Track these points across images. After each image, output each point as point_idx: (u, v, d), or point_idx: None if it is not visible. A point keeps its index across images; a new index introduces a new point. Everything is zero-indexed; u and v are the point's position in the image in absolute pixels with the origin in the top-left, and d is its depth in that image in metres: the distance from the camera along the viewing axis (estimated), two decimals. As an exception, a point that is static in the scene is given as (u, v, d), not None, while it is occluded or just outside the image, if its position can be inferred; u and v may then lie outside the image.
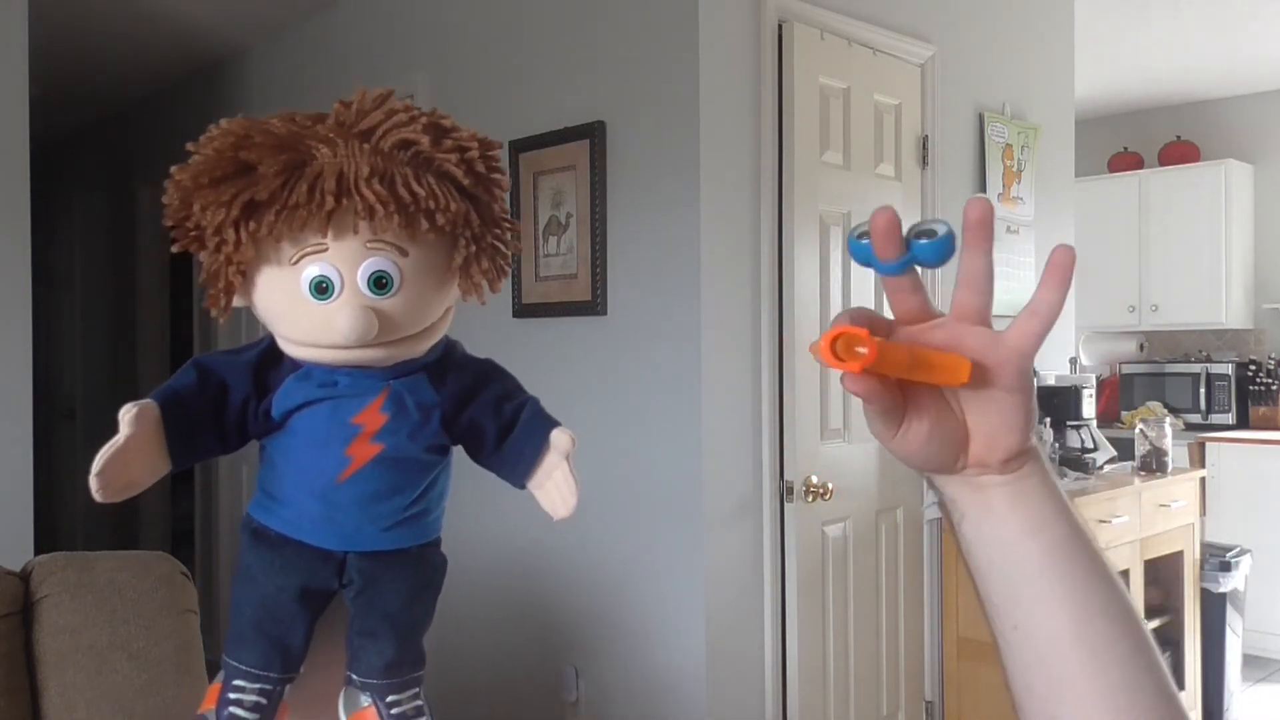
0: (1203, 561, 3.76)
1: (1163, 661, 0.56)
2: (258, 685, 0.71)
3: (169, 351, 5.32)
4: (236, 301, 0.66)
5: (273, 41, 4.25)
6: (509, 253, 0.69)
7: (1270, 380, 5.20)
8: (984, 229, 0.54)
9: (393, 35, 3.62)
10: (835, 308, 2.92)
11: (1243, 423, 5.22)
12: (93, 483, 0.65)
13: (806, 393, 2.82)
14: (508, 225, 0.69)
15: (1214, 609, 3.77)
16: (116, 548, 2.06)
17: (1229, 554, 3.89)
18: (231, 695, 0.70)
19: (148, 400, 0.66)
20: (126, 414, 0.65)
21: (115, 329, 5.54)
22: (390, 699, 0.72)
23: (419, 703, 0.73)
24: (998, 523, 0.57)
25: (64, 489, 5.94)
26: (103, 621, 1.67)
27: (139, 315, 5.33)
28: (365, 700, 0.72)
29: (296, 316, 0.64)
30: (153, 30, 4.18)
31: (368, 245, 0.63)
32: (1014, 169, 3.57)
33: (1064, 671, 0.55)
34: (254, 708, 0.70)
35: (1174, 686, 0.56)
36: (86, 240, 5.77)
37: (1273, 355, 5.28)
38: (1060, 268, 0.54)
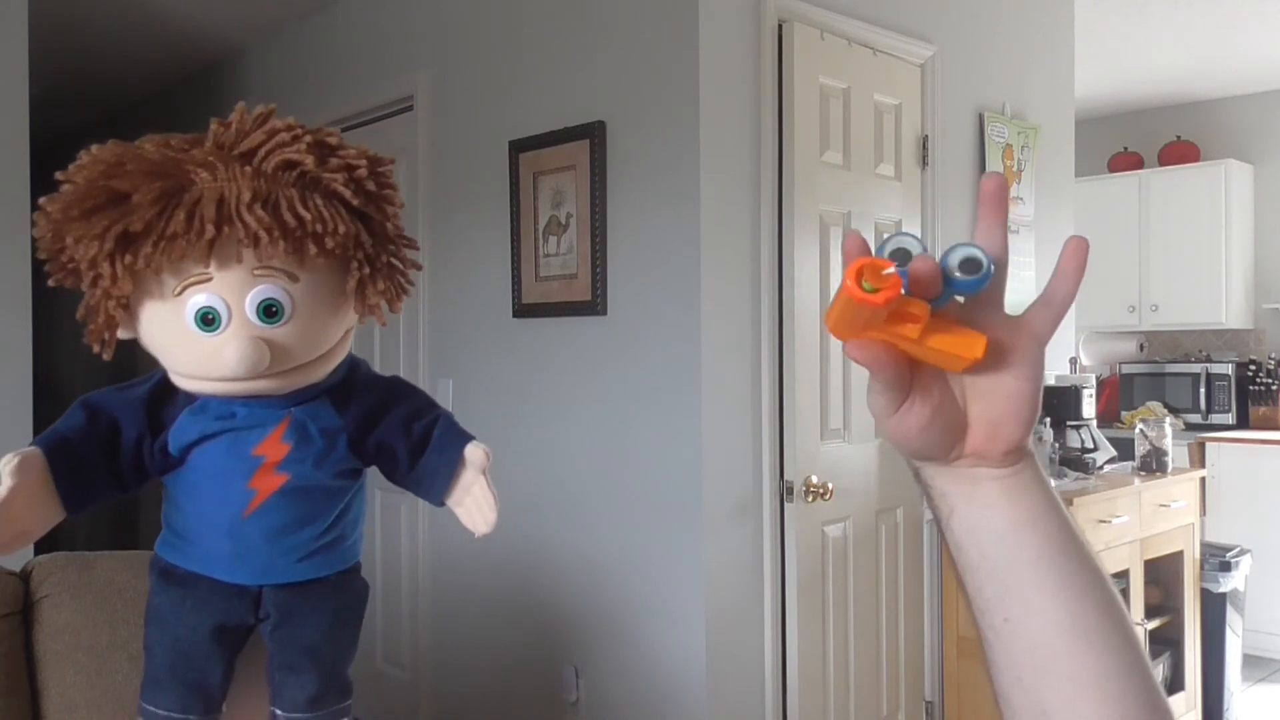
0: (1203, 561, 3.76)
1: (1149, 660, 0.57)
2: None
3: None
4: (122, 334, 0.63)
5: (272, 41, 4.25)
6: (407, 270, 0.66)
7: (1270, 380, 5.20)
8: (998, 202, 0.53)
9: (393, 35, 3.62)
10: (835, 308, 2.92)
11: (1243, 423, 5.22)
12: None
13: (806, 393, 2.82)
14: (404, 242, 0.66)
15: (1214, 609, 3.77)
16: (116, 548, 2.05)
17: (1229, 554, 3.89)
18: None
19: (31, 449, 0.63)
20: (7, 465, 0.61)
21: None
22: None
23: None
24: (991, 516, 0.57)
25: (64, 489, 5.95)
26: (103, 621, 1.67)
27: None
28: None
29: (183, 350, 0.61)
30: (152, 30, 4.18)
31: (255, 273, 0.60)
32: (1014, 169, 3.57)
33: (1057, 661, 0.55)
34: None
35: (1159, 684, 0.56)
36: (86, 240, 5.76)
37: (1273, 355, 5.28)
38: (1074, 257, 0.53)
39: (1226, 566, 3.85)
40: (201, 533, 0.67)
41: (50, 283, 0.62)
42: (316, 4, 3.88)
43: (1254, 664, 4.50)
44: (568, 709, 2.96)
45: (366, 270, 0.62)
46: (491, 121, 3.20)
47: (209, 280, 0.59)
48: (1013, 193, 3.59)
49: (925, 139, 3.22)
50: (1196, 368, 5.34)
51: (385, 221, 0.64)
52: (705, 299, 2.65)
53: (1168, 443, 3.64)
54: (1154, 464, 3.60)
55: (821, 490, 2.83)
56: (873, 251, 0.51)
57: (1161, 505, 3.52)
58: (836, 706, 2.94)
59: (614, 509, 2.82)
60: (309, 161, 0.60)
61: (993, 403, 0.55)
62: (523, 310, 3.07)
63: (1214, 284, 5.29)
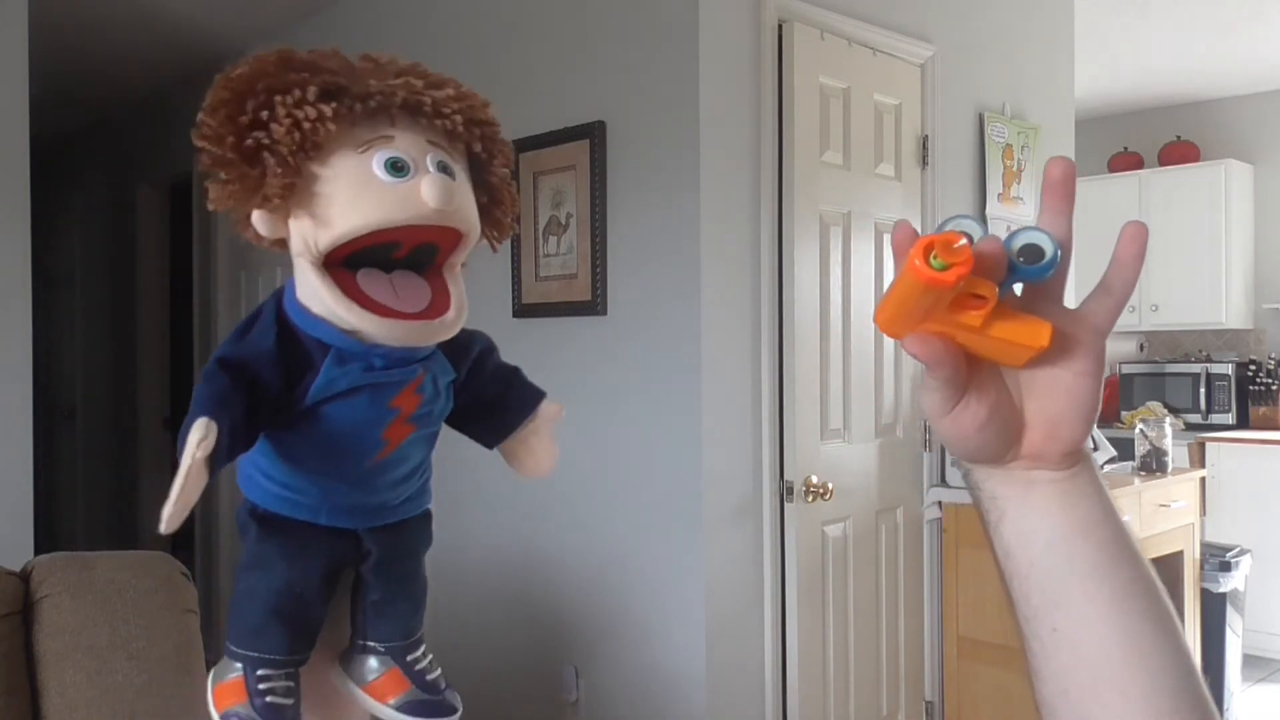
0: (1203, 561, 3.76)
1: (1199, 669, 0.54)
2: (285, 670, 0.70)
3: (169, 351, 5.32)
4: (261, 226, 0.63)
5: (272, 41, 4.22)
6: (511, 209, 0.72)
7: (1270, 380, 5.20)
8: (1066, 190, 0.51)
9: (393, 35, 3.62)
10: (835, 307, 2.92)
11: (1243, 423, 5.22)
12: (167, 514, 0.61)
13: (806, 393, 2.82)
14: (510, 183, 0.72)
15: (1214, 609, 3.77)
16: (116, 548, 2.06)
17: (1229, 554, 3.89)
18: (261, 686, 0.69)
19: (208, 421, 0.61)
20: (195, 443, 0.60)
21: (115, 329, 5.54)
22: (409, 658, 0.73)
23: (430, 655, 0.75)
24: (1044, 521, 0.54)
25: (64, 489, 5.95)
26: (103, 621, 1.67)
27: (139, 315, 5.32)
28: (375, 664, 0.72)
29: (372, 195, 0.62)
30: (153, 30, 4.18)
31: (429, 141, 0.64)
32: (1014, 169, 3.57)
33: (1108, 674, 0.52)
34: (287, 693, 0.70)
35: (1209, 695, 0.54)
36: (86, 240, 5.77)
37: (1273, 355, 5.28)
38: (1133, 243, 0.51)
39: (1226, 566, 3.85)
40: (316, 483, 0.69)
41: (209, 181, 0.64)
42: (316, 4, 3.88)
43: (1254, 664, 4.50)
44: (568, 709, 2.96)
45: (484, 183, 0.69)
46: (491, 121, 3.20)
47: (392, 140, 0.63)
48: (1013, 193, 3.59)
49: (925, 139, 3.22)
50: (1196, 368, 5.34)
51: (494, 158, 0.69)
52: (705, 299, 2.65)
53: (1168, 443, 3.64)
54: (1154, 464, 3.60)
55: (821, 490, 2.83)
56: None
57: (1161, 505, 3.52)
58: (836, 707, 2.94)
59: (614, 509, 2.82)
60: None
61: (1051, 400, 0.53)
62: (523, 310, 3.08)
63: (1214, 284, 5.29)
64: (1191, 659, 0.54)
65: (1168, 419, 4.09)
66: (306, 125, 0.61)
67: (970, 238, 0.46)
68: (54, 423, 5.81)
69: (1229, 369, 5.26)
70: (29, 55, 3.02)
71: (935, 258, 0.45)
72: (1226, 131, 5.58)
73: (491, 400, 0.74)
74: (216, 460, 0.62)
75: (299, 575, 0.69)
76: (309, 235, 0.62)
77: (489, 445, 0.74)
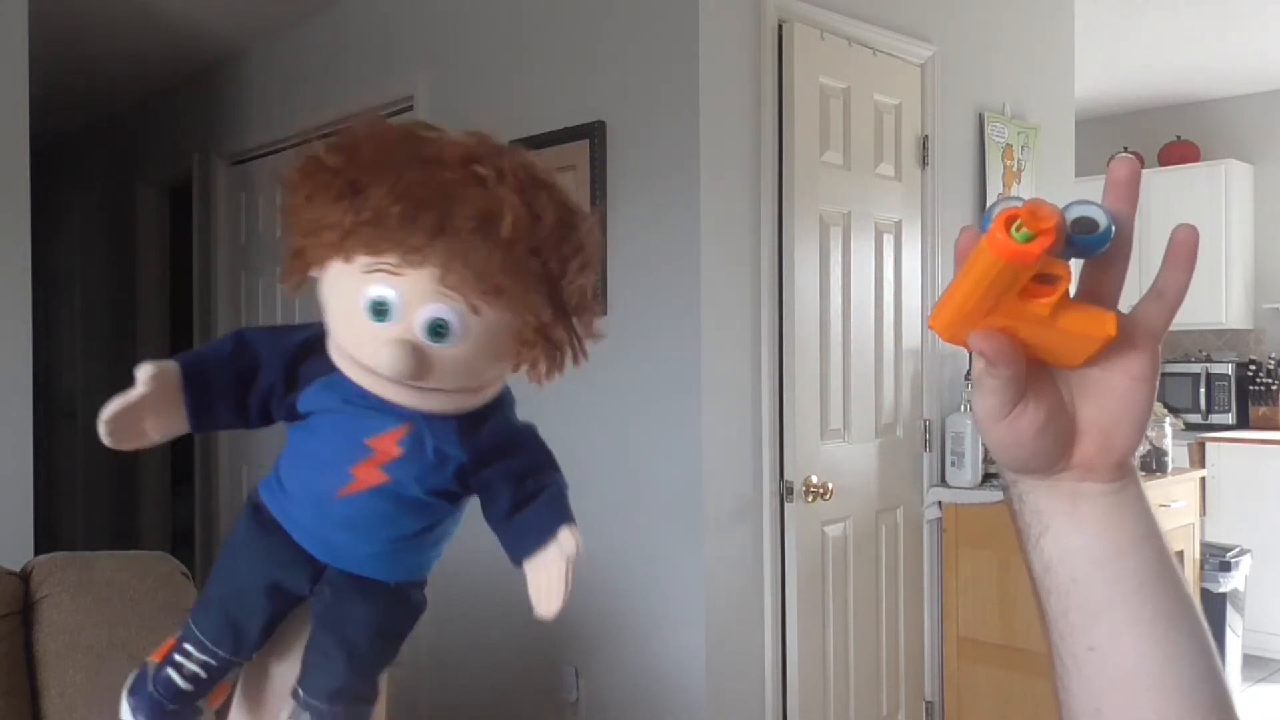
0: (1203, 561, 3.76)
1: (1230, 686, 0.54)
2: (203, 658, 0.69)
3: (169, 351, 5.29)
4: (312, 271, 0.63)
5: (272, 41, 4.25)
6: (580, 348, 0.64)
7: (1270, 380, 5.20)
8: (1131, 190, 0.49)
9: (393, 35, 3.62)
10: (835, 307, 2.92)
11: (1243, 423, 5.22)
12: (100, 428, 0.63)
13: (806, 393, 2.82)
14: (586, 316, 0.64)
15: (1214, 609, 3.77)
16: (116, 548, 2.06)
17: (1229, 554, 3.90)
18: (176, 657, 0.69)
19: (169, 361, 0.64)
20: (144, 371, 0.63)
21: (115, 329, 5.54)
22: None
23: None
24: (1089, 538, 0.52)
25: (64, 489, 5.95)
26: (103, 621, 1.67)
27: (139, 315, 5.33)
28: (286, 716, 0.69)
29: (345, 324, 0.61)
30: (152, 30, 4.18)
31: (440, 289, 0.58)
32: (1014, 169, 3.57)
33: (1146, 694, 0.51)
34: (191, 678, 0.69)
35: (1239, 712, 0.53)
36: (86, 240, 5.77)
37: (1273, 355, 5.28)
38: (1185, 246, 0.49)
39: (1226, 566, 3.85)
40: (296, 493, 0.68)
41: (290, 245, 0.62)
42: (316, 4, 3.88)
43: (1254, 664, 4.50)
44: (568, 709, 2.96)
45: (537, 341, 0.61)
46: (491, 121, 3.17)
47: (397, 275, 0.58)
48: (1013, 192, 3.59)
49: (925, 139, 3.22)
50: (1196, 368, 5.34)
51: (572, 287, 0.61)
52: (705, 299, 2.65)
53: (1168, 443, 3.64)
54: (1154, 464, 3.60)
55: (821, 490, 2.83)
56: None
57: (1161, 505, 3.52)
58: (836, 706, 2.94)
59: (614, 508, 2.82)
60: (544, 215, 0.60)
61: (1105, 406, 0.51)
62: (523, 310, 3.07)
63: (1214, 284, 5.29)
64: (1223, 674, 0.53)
65: (1168, 419, 4.09)
66: (341, 225, 0.58)
67: None
68: (54, 423, 5.81)
69: (1229, 369, 5.26)
70: (29, 55, 3.02)
71: (1019, 229, 0.42)
72: (1226, 131, 5.58)
73: (505, 502, 0.69)
74: (195, 412, 0.64)
75: (246, 570, 0.69)
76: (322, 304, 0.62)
77: (513, 562, 0.70)
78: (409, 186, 0.57)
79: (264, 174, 4.43)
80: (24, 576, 1.69)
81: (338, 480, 0.65)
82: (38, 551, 2.31)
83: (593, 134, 2.84)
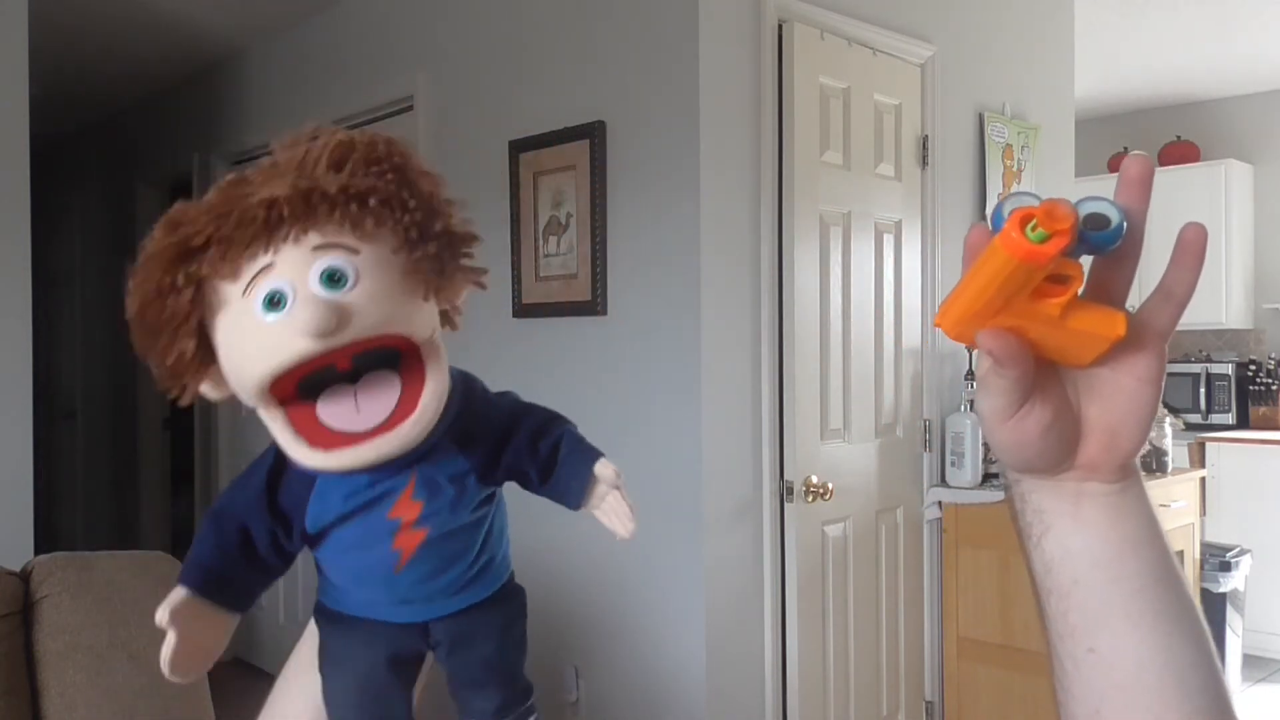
0: (1203, 561, 3.76)
1: (1229, 690, 0.53)
2: None
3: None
4: (211, 393, 0.62)
5: (272, 41, 4.25)
6: (467, 250, 0.63)
7: (1270, 380, 5.20)
8: (1144, 188, 0.48)
9: (393, 35, 3.62)
10: (835, 308, 2.92)
11: (1243, 423, 5.22)
12: (167, 674, 0.62)
13: (806, 393, 2.82)
14: (456, 219, 0.63)
15: (1214, 609, 3.77)
16: (116, 548, 2.06)
17: (1229, 554, 3.90)
18: None
19: (179, 593, 0.63)
20: (162, 619, 0.62)
21: (115, 329, 5.54)
22: None
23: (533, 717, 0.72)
24: (1091, 539, 0.52)
25: (64, 489, 5.95)
26: (103, 621, 1.67)
27: (139, 315, 5.31)
28: None
29: (256, 343, 0.59)
30: (152, 30, 4.18)
31: (314, 250, 0.58)
32: (1014, 169, 3.57)
33: (1146, 697, 0.51)
34: None
35: (1237, 714, 0.53)
36: (86, 240, 5.77)
37: (1273, 355, 5.28)
38: (1194, 245, 0.48)
39: (1226, 566, 3.85)
40: (359, 588, 0.67)
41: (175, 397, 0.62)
42: (316, 4, 3.88)
43: (1254, 664, 4.50)
44: (568, 709, 2.97)
45: (423, 244, 0.60)
46: (491, 121, 3.20)
47: (272, 268, 0.58)
48: (1013, 192, 3.58)
49: (925, 139, 3.22)
50: (1196, 368, 5.34)
51: (430, 194, 0.61)
52: (705, 299, 2.65)
53: (1168, 443, 3.65)
54: (1154, 464, 3.60)
55: (821, 490, 2.83)
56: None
57: (1161, 505, 3.51)
58: (836, 706, 2.94)
59: (614, 509, 2.82)
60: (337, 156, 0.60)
61: (1111, 407, 0.51)
62: (523, 310, 3.07)
63: (1214, 284, 5.29)
64: (1225, 682, 0.52)
65: (1168, 419, 4.09)
66: (172, 305, 0.58)
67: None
68: (54, 423, 5.81)
69: (1229, 369, 5.26)
70: (29, 55, 3.02)
71: (1034, 229, 0.41)
72: (1226, 131, 5.58)
73: (534, 474, 0.69)
74: (230, 604, 0.64)
75: (364, 667, 0.68)
76: (235, 389, 0.61)
77: (573, 509, 0.71)
78: (219, 201, 0.58)
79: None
80: (24, 576, 1.69)
81: (388, 560, 0.65)
82: (38, 551, 2.31)
83: (593, 134, 2.84)
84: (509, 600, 0.73)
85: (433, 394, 0.61)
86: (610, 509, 0.69)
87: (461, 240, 0.62)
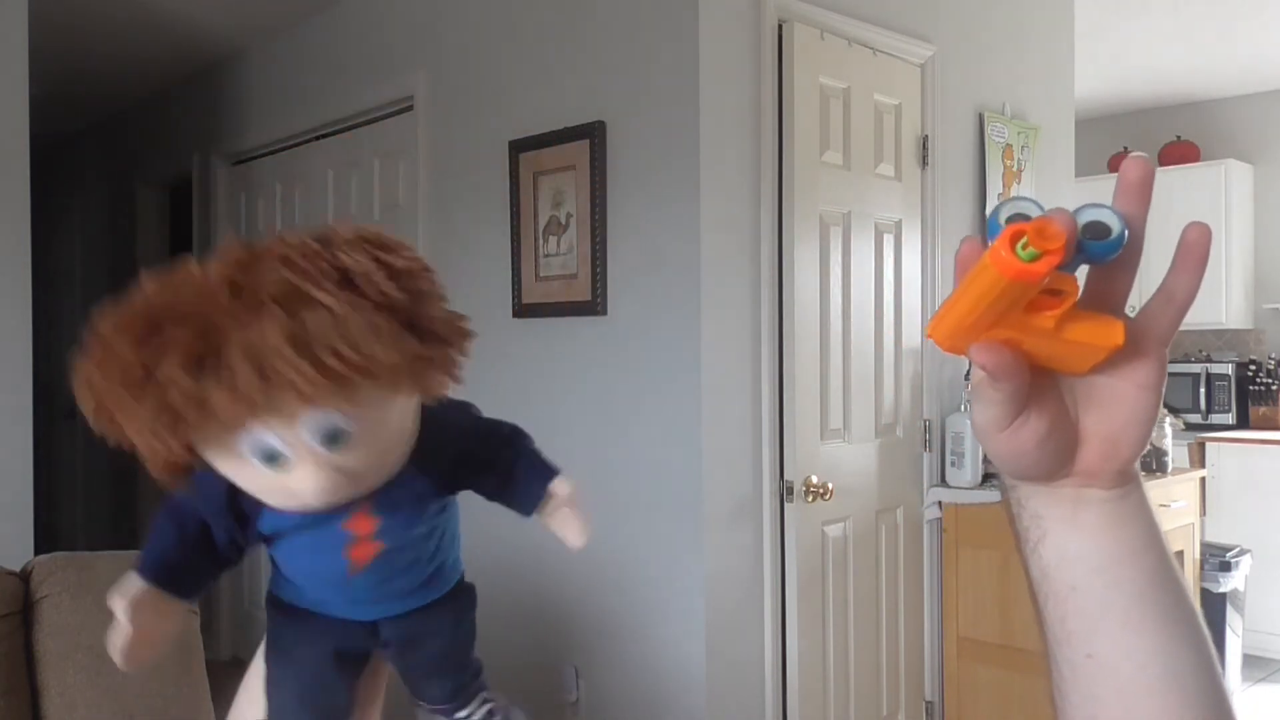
0: (1203, 561, 3.76)
1: (1230, 696, 0.52)
2: None
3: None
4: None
5: (272, 41, 4.25)
6: (460, 356, 0.62)
7: (1270, 380, 5.20)
8: (1144, 192, 0.47)
9: (393, 35, 3.62)
10: (835, 308, 2.92)
11: (1243, 423, 5.22)
12: (119, 664, 0.63)
13: (806, 393, 2.82)
14: (455, 333, 0.61)
15: (1214, 609, 3.77)
16: (116, 548, 2.05)
17: (1229, 554, 3.90)
18: None
19: (136, 584, 0.63)
20: (119, 608, 0.61)
21: (115, 329, 5.54)
22: (459, 716, 0.73)
23: (488, 706, 0.73)
24: (1089, 545, 0.51)
25: (64, 489, 5.95)
26: (103, 621, 1.66)
27: (139, 315, 5.32)
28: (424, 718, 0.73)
29: (254, 485, 0.58)
30: (152, 30, 4.18)
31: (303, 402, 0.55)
32: (1014, 169, 3.57)
33: (1145, 702, 0.50)
34: None
35: (1235, 712, 0.52)
36: (86, 240, 5.77)
37: (1273, 355, 5.28)
38: (1197, 247, 0.47)
39: (1226, 566, 3.85)
40: (309, 585, 0.68)
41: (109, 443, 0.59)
42: (316, 4, 3.88)
43: (1254, 664, 4.50)
44: (568, 709, 2.97)
45: (421, 377, 0.59)
46: (491, 121, 3.20)
47: (271, 422, 0.55)
48: (1012, 193, 3.59)
49: (925, 139, 3.22)
50: (1196, 368, 5.34)
51: (432, 320, 0.59)
52: (705, 299, 2.65)
53: (1168, 443, 3.65)
54: (1154, 464, 3.60)
55: (821, 490, 2.83)
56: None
57: (1161, 505, 3.52)
58: (836, 707, 2.94)
59: (614, 508, 2.82)
60: (333, 293, 0.55)
61: (1110, 414, 0.50)
62: (523, 310, 3.07)
63: (1214, 284, 5.29)
64: (1225, 688, 0.52)
65: (1168, 419, 4.09)
66: (161, 455, 0.55)
67: (1029, 218, 0.43)
68: (54, 423, 5.80)
69: (1229, 369, 5.26)
70: (29, 55, 3.02)
71: (1025, 247, 0.40)
72: (1226, 131, 5.58)
73: (491, 484, 0.69)
74: (184, 593, 0.64)
75: (310, 659, 0.69)
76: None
77: (525, 516, 0.71)
78: (195, 343, 0.53)
79: (265, 178, 4.42)
80: (24, 576, 1.69)
81: (340, 567, 0.65)
82: (38, 551, 2.31)
83: (593, 134, 2.84)
84: (456, 600, 0.73)
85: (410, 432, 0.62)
86: (563, 520, 0.68)
87: (456, 344, 0.61)
